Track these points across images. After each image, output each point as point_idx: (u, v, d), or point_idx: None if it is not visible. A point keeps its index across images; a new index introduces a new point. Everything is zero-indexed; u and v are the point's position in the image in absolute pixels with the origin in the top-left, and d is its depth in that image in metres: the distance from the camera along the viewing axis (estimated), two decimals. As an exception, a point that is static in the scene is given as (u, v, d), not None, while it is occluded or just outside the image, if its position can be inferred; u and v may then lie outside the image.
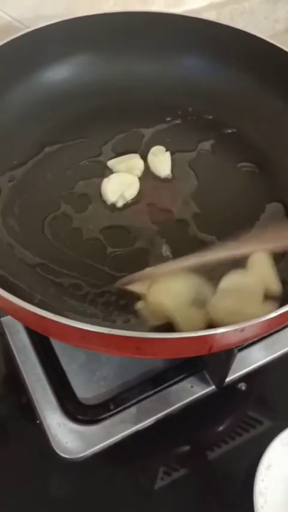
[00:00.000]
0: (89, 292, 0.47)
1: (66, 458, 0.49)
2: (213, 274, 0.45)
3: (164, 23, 0.62)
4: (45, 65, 0.61)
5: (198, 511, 0.49)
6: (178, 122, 0.61)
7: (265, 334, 0.56)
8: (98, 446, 0.50)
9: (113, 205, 0.53)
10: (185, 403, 0.53)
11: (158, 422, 0.52)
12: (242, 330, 0.37)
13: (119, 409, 0.52)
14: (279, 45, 0.59)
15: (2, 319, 0.57)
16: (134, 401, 0.52)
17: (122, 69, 0.63)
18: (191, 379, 0.54)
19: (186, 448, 0.52)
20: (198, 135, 0.59)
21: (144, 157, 0.57)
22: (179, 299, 0.43)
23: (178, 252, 0.49)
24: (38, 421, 0.51)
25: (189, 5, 0.75)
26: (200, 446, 0.52)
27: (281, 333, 0.57)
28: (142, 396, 0.53)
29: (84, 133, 0.59)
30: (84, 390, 0.53)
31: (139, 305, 0.45)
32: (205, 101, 0.62)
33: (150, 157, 0.57)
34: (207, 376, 0.54)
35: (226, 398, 0.54)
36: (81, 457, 0.50)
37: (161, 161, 0.56)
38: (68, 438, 0.50)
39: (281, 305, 0.38)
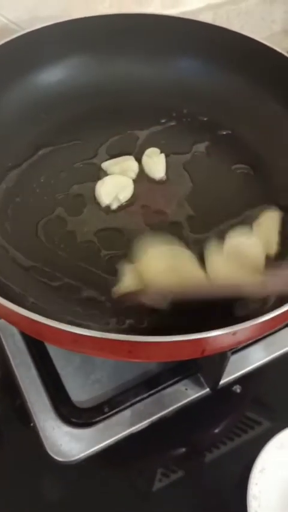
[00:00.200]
0: (83, 295, 0.47)
1: (60, 461, 0.49)
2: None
3: (159, 25, 0.62)
4: (40, 66, 0.61)
5: (192, 514, 0.49)
6: (173, 123, 0.61)
7: (258, 337, 0.56)
8: (92, 449, 0.50)
9: (107, 208, 0.53)
10: (180, 406, 0.53)
11: (152, 425, 0.52)
12: (234, 333, 0.37)
13: (114, 412, 0.52)
14: (274, 47, 0.59)
15: (-4, 322, 0.57)
16: (128, 404, 0.52)
17: (117, 71, 0.63)
18: (185, 381, 0.54)
19: (181, 450, 0.52)
20: (193, 137, 0.59)
21: (138, 160, 0.57)
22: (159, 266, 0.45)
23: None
24: (32, 424, 0.51)
25: (185, 6, 0.75)
26: (194, 449, 0.52)
27: (275, 335, 0.57)
28: (136, 399, 0.53)
29: (79, 136, 0.59)
30: (79, 393, 0.53)
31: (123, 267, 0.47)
32: (200, 102, 0.62)
33: (144, 159, 0.57)
34: (202, 379, 0.54)
35: (220, 400, 0.54)
36: (76, 460, 0.49)
37: (156, 163, 0.56)
38: (62, 441, 0.50)
39: (275, 307, 0.38)
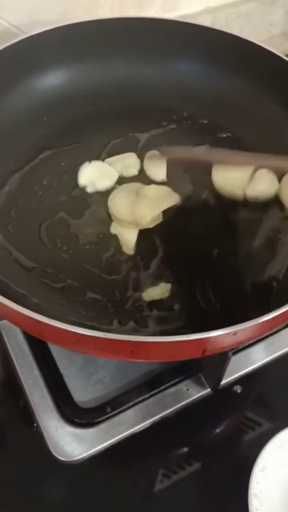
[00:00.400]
0: (86, 297, 0.48)
1: (63, 461, 0.50)
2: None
3: (159, 29, 0.62)
4: (41, 70, 0.62)
5: (194, 513, 0.49)
6: (173, 126, 0.61)
7: (258, 338, 0.57)
8: (95, 449, 0.50)
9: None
10: (181, 406, 0.53)
11: (154, 425, 0.52)
12: (235, 333, 0.38)
13: (116, 412, 0.52)
14: (273, 50, 0.59)
15: (-1, 322, 0.57)
16: (130, 404, 0.53)
17: (118, 74, 0.64)
18: (187, 382, 0.54)
19: (183, 450, 0.53)
20: (194, 140, 0.60)
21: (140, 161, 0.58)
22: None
23: (175, 253, 0.50)
24: (35, 424, 0.52)
25: (185, 10, 0.75)
26: (195, 448, 0.53)
27: (275, 335, 0.58)
28: (139, 399, 0.53)
29: (80, 138, 0.59)
30: (81, 393, 0.54)
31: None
32: (200, 105, 0.62)
33: (145, 161, 0.57)
34: (203, 379, 0.54)
35: (222, 401, 0.55)
36: (78, 460, 0.50)
37: (157, 166, 0.57)
38: (65, 441, 0.50)
39: (272, 309, 0.38)
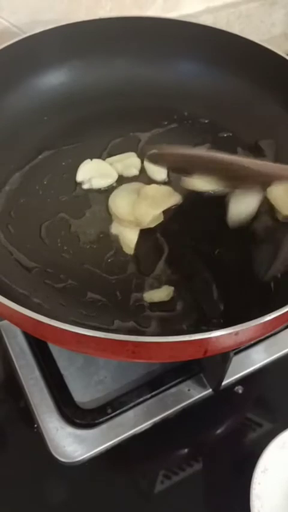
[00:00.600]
0: (87, 297, 0.47)
1: (64, 462, 0.49)
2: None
3: (160, 28, 0.62)
4: (42, 70, 0.62)
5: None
6: (174, 126, 0.62)
7: (260, 338, 0.56)
8: (95, 450, 0.50)
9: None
10: (182, 407, 0.53)
11: (155, 426, 0.52)
12: (236, 333, 0.38)
13: (117, 412, 0.52)
14: (275, 50, 0.59)
15: (-1, 323, 0.57)
16: (131, 405, 0.52)
17: (119, 74, 0.64)
18: (188, 382, 0.54)
19: (184, 451, 0.52)
20: (194, 139, 0.60)
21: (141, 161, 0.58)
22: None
23: (176, 253, 0.50)
24: (35, 425, 0.51)
25: (186, 10, 0.75)
26: (197, 449, 0.52)
27: (277, 336, 0.57)
28: (139, 400, 0.53)
29: (81, 138, 0.59)
30: (82, 394, 0.53)
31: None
32: (201, 105, 0.62)
33: (146, 161, 0.57)
34: (204, 380, 0.54)
35: (223, 401, 0.54)
36: (79, 461, 0.50)
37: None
38: (66, 442, 0.50)
39: (273, 310, 0.38)
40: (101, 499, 0.49)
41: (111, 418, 0.52)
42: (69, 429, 0.51)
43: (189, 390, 0.54)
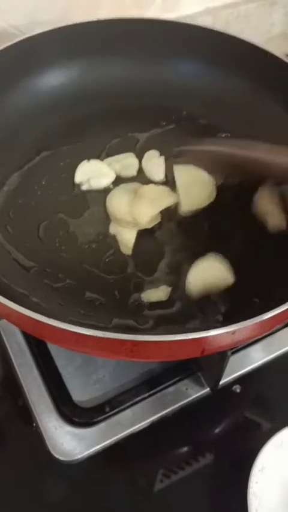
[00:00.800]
0: (85, 296, 0.48)
1: (62, 460, 0.50)
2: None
3: (159, 29, 0.63)
4: (41, 71, 0.62)
5: (193, 512, 0.49)
6: (172, 126, 0.62)
7: (257, 337, 0.57)
8: (94, 449, 0.50)
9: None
10: (180, 406, 0.53)
11: (153, 425, 0.52)
12: (234, 332, 0.38)
13: (115, 411, 0.52)
14: (273, 51, 0.59)
15: (-2, 322, 0.57)
16: (129, 403, 0.53)
17: (117, 75, 0.64)
18: (185, 381, 0.54)
19: (182, 450, 0.53)
20: (193, 140, 0.60)
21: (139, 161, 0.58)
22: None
23: (174, 253, 0.51)
24: (34, 424, 0.52)
25: (185, 10, 0.75)
26: (195, 448, 0.52)
27: (275, 335, 0.58)
28: (137, 399, 0.53)
29: (80, 138, 0.60)
30: (80, 393, 0.54)
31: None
32: (199, 105, 0.62)
33: (144, 161, 0.57)
34: (202, 379, 0.54)
35: (221, 400, 0.54)
36: (78, 459, 0.50)
37: (155, 165, 0.57)
38: (64, 440, 0.50)
39: (270, 308, 0.38)
40: (100, 497, 0.49)
41: (110, 416, 0.52)
42: (68, 428, 0.51)
43: (187, 389, 0.54)
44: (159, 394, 0.53)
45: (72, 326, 0.38)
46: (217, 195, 0.54)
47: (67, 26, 0.60)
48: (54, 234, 0.52)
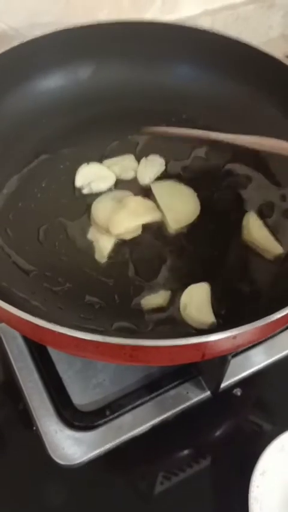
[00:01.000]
0: (85, 300, 0.47)
1: (62, 464, 0.50)
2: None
3: (158, 32, 0.62)
4: (40, 73, 0.62)
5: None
6: (172, 128, 0.62)
7: (258, 341, 0.56)
8: (94, 453, 0.50)
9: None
10: (181, 409, 0.53)
11: (154, 429, 0.52)
12: (234, 337, 0.38)
13: (115, 415, 0.52)
14: (272, 53, 0.59)
15: (-2, 325, 0.57)
16: (129, 407, 0.53)
17: (117, 77, 0.64)
18: (186, 385, 0.54)
19: (182, 454, 0.53)
20: (192, 142, 0.60)
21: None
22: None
23: (174, 258, 0.50)
24: (34, 428, 0.52)
25: (184, 12, 0.75)
26: (195, 452, 0.52)
27: (275, 338, 0.58)
28: (138, 402, 0.53)
29: (79, 141, 0.59)
30: (81, 397, 0.53)
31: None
32: (199, 108, 0.62)
33: (140, 165, 0.57)
34: (203, 382, 0.54)
35: (221, 404, 0.54)
36: (78, 463, 0.50)
37: (148, 169, 0.57)
38: (65, 444, 0.50)
39: (270, 313, 0.38)
40: (100, 501, 0.49)
41: (110, 420, 0.52)
42: (68, 432, 0.51)
43: (187, 393, 0.54)
44: (159, 398, 0.53)
45: (72, 330, 0.37)
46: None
47: (66, 30, 0.60)
48: (54, 237, 0.52)
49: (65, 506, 0.49)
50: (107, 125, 0.61)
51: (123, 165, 0.57)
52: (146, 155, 0.58)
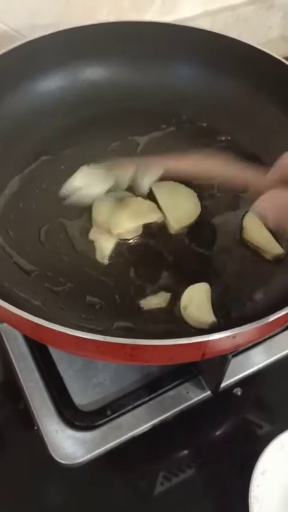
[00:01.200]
0: (85, 300, 0.48)
1: (63, 464, 0.50)
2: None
3: (158, 32, 0.63)
4: (40, 74, 0.62)
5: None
6: (172, 129, 0.62)
7: (258, 341, 0.57)
8: (95, 452, 0.50)
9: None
10: (181, 409, 0.53)
11: (154, 428, 0.52)
12: (234, 336, 0.38)
13: (116, 415, 0.52)
14: (272, 53, 0.59)
15: (-1, 326, 0.57)
16: (130, 407, 0.53)
17: (117, 78, 0.64)
18: (186, 384, 0.54)
19: (183, 453, 0.53)
20: (193, 143, 0.60)
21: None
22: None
23: (175, 258, 0.51)
24: (35, 428, 0.52)
25: (183, 13, 0.75)
26: (196, 451, 0.53)
27: (275, 338, 0.58)
28: (138, 402, 0.53)
29: (80, 142, 0.60)
30: (81, 396, 0.54)
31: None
32: (199, 108, 0.63)
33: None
34: (203, 382, 0.54)
35: (222, 403, 0.55)
36: (79, 463, 0.50)
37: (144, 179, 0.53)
38: (66, 444, 0.50)
39: (270, 313, 0.39)
40: (101, 500, 0.49)
41: (111, 420, 0.52)
42: (69, 431, 0.51)
43: (188, 392, 0.54)
44: (160, 398, 0.54)
45: (72, 330, 0.38)
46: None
47: (66, 30, 0.60)
48: (55, 237, 0.52)
49: (65, 506, 0.49)
50: (108, 126, 0.61)
51: (122, 171, 0.53)
52: (147, 155, 0.58)
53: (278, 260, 0.50)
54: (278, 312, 0.39)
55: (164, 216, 0.52)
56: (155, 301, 0.47)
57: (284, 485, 0.48)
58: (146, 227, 0.52)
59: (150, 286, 0.49)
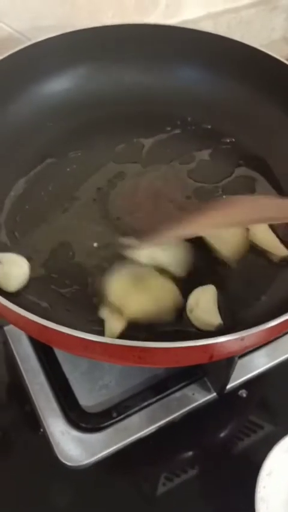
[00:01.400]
0: (92, 302, 0.48)
1: (69, 466, 0.50)
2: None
3: (162, 35, 0.63)
4: (45, 77, 0.62)
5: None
6: (177, 131, 0.62)
7: (265, 342, 0.57)
8: (101, 454, 0.50)
9: (115, 217, 0.53)
10: (187, 411, 0.53)
11: (160, 430, 0.52)
12: (242, 339, 0.38)
13: (122, 416, 0.52)
14: (275, 55, 0.60)
15: (5, 328, 0.57)
16: (136, 409, 0.53)
17: (122, 80, 0.64)
18: (192, 386, 0.54)
19: (189, 454, 0.53)
20: (198, 145, 0.60)
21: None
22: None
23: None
24: (41, 429, 0.52)
25: (187, 15, 0.76)
26: (201, 453, 0.53)
27: (281, 340, 0.58)
28: (144, 404, 0.53)
29: (85, 144, 0.60)
30: (87, 398, 0.54)
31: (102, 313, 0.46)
32: (203, 110, 0.63)
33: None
34: (209, 384, 0.54)
35: (227, 405, 0.55)
36: (85, 464, 0.50)
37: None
38: (71, 446, 0.51)
39: (277, 315, 0.39)
40: (106, 502, 0.49)
41: (117, 422, 0.52)
42: (75, 433, 0.51)
43: (193, 394, 0.54)
44: (165, 400, 0.54)
45: (81, 332, 0.38)
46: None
47: (70, 33, 0.61)
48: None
49: (71, 507, 0.49)
50: (113, 128, 0.61)
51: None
52: (152, 158, 0.58)
53: (284, 262, 0.50)
54: (285, 314, 0.39)
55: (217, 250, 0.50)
56: None
57: (290, 487, 0.48)
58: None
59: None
